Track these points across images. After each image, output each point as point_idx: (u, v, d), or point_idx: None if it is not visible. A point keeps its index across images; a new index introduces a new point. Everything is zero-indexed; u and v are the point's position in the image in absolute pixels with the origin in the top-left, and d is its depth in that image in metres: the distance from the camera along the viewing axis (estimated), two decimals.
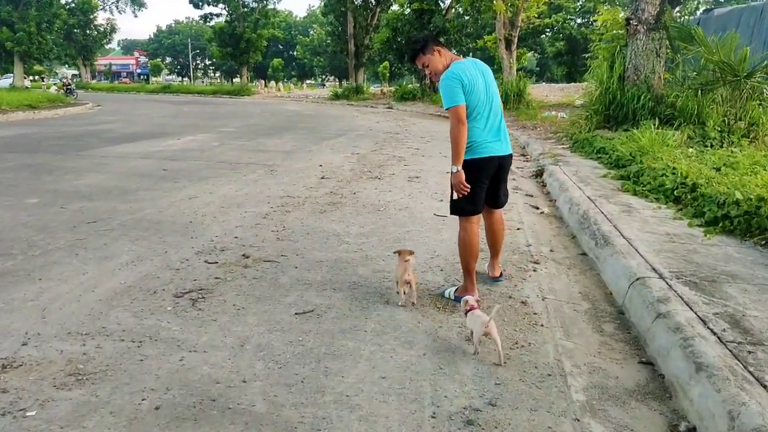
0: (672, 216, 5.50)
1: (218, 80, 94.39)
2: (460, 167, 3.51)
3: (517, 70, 24.91)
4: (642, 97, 11.06)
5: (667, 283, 3.60)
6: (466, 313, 3.15)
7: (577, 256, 4.94)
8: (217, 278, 4.14)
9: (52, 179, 8.07)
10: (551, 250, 5.07)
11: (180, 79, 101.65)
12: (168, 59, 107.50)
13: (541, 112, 21.56)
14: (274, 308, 3.63)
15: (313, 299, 3.78)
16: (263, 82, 64.91)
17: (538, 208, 6.80)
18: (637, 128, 10.40)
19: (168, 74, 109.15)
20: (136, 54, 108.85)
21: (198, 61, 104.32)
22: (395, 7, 36.78)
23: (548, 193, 7.91)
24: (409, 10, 33.19)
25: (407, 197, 7.22)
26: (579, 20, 66.62)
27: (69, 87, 37.08)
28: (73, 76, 76.02)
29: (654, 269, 3.87)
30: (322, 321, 3.46)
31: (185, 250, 4.82)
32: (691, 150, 8.83)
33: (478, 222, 3.78)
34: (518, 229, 5.78)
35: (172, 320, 3.43)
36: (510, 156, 3.78)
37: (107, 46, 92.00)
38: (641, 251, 4.29)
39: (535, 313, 3.62)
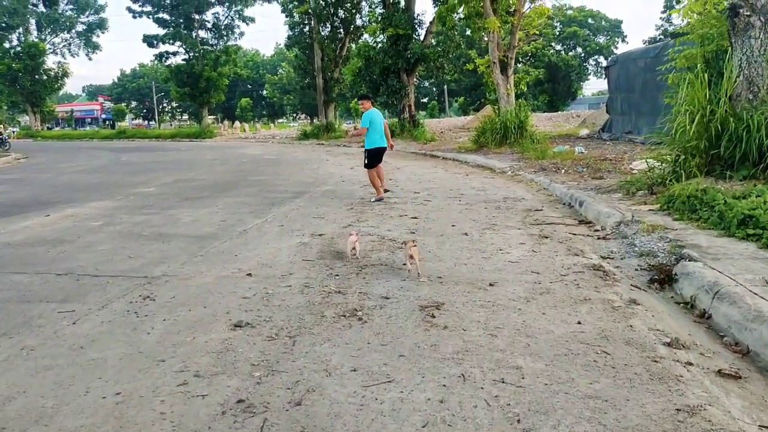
0: None
1: (186, 122, 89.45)
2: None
3: (516, 97, 20.81)
4: None
5: None
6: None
7: None
8: None
9: None
10: None
11: (146, 123, 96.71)
12: (134, 103, 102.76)
13: (551, 146, 17.45)
14: None
15: None
16: (227, 123, 60.56)
17: None
18: None
19: (133, 119, 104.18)
20: (101, 99, 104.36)
21: (164, 104, 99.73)
22: (366, 37, 32.83)
23: (736, 345, 3.51)
24: (383, 37, 29.23)
25: (433, 406, 2.71)
26: (558, 47, 64.21)
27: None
28: (19, 124, 70.89)
29: None
30: None
31: None
32: None
33: (375, 171, 9.64)
34: None
35: None
36: (385, 147, 9.72)
37: (70, 92, 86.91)
38: None
39: None
